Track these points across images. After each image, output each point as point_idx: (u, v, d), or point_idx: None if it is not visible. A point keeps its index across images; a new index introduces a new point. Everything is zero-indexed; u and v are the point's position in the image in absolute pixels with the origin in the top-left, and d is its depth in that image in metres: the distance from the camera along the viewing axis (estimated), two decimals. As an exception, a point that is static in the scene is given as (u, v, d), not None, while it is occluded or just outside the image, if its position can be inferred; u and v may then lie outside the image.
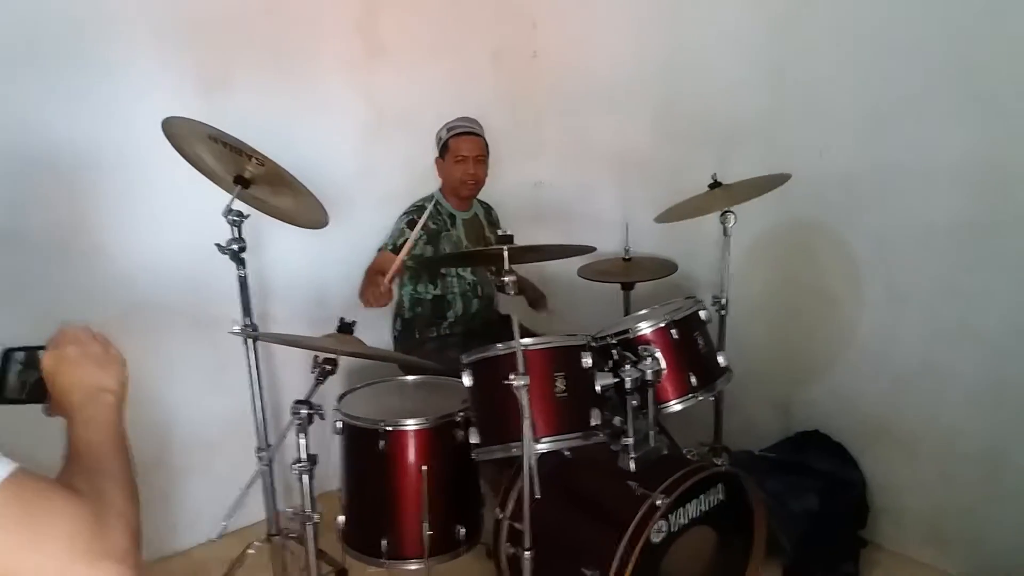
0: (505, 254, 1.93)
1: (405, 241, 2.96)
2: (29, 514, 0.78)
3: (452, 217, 3.16)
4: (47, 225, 2.56)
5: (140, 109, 2.37)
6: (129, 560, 0.83)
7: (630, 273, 3.03)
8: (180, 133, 2.01)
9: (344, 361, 2.04)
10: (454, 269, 3.12)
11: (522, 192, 3.89)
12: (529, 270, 3.29)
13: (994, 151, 2.36)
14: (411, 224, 3.01)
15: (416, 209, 3.10)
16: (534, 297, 3.34)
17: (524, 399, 1.85)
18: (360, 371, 3.00)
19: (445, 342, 3.05)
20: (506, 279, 1.94)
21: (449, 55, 3.53)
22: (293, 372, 3.03)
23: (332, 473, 2.43)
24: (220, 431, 2.96)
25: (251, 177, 2.09)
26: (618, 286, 3.05)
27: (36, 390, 1.05)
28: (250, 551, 2.46)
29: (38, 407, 1.07)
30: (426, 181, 3.23)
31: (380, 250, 3.07)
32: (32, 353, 1.06)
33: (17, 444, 0.90)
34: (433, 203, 3.12)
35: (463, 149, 3.07)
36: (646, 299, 2.79)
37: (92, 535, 0.81)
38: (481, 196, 3.31)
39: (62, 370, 1.03)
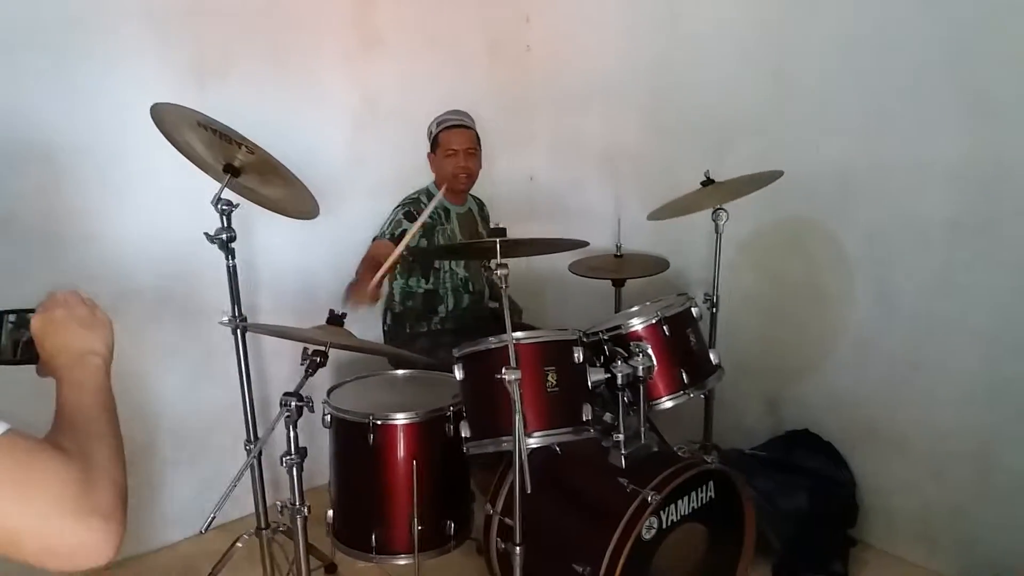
0: (498, 247, 1.92)
1: (403, 232, 2.94)
2: (18, 472, 0.80)
3: (446, 211, 3.14)
4: (39, 213, 2.54)
5: (133, 98, 2.34)
6: (116, 516, 0.85)
7: (622, 269, 3.02)
8: (169, 119, 1.99)
9: (333, 354, 2.02)
10: (447, 263, 3.10)
11: (515, 187, 3.88)
12: (518, 270, 3.26)
13: (988, 148, 2.36)
14: (408, 215, 2.99)
15: (412, 201, 3.06)
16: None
17: (516, 393, 1.83)
18: (350, 364, 2.98)
19: (436, 337, 3.03)
20: (498, 272, 1.92)
21: (443, 48, 3.52)
22: (282, 364, 3.01)
23: (321, 468, 2.41)
24: (208, 423, 2.94)
25: (241, 166, 2.07)
26: (609, 282, 3.03)
27: (27, 352, 1.08)
28: (238, 545, 2.44)
29: (32, 369, 1.10)
30: (418, 173, 3.20)
31: (375, 239, 3.04)
32: (23, 316, 1.09)
33: (12, 405, 0.92)
34: (430, 196, 3.10)
35: (453, 142, 3.05)
36: (637, 296, 2.78)
37: (79, 492, 0.83)
38: (474, 191, 3.29)
39: (49, 332, 1.06)
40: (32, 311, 1.09)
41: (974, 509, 2.56)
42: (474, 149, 3.09)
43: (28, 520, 0.80)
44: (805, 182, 2.75)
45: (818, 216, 2.83)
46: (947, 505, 2.63)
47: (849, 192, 2.72)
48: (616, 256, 3.05)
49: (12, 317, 1.10)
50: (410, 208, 3.02)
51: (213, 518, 1.68)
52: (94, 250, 2.63)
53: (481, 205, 3.36)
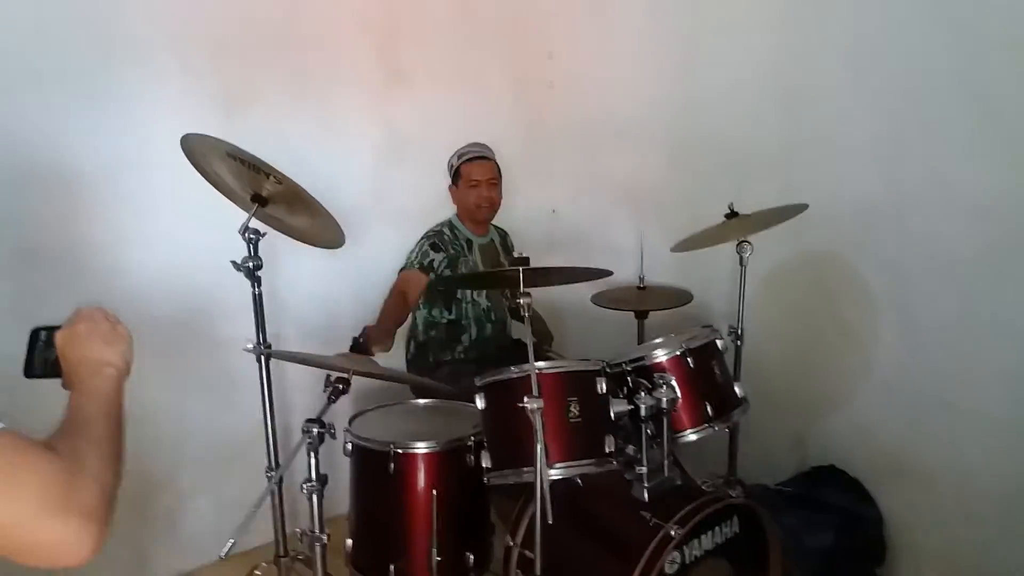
0: (521, 275, 1.92)
1: (432, 262, 2.97)
2: (5, 468, 0.85)
3: (469, 242, 3.16)
4: (65, 239, 2.58)
5: (160, 128, 2.40)
6: (97, 517, 0.89)
7: (645, 302, 3.00)
8: (199, 150, 2.02)
9: (355, 383, 2.02)
10: (469, 294, 3.11)
11: (537, 219, 3.89)
12: (541, 302, 3.25)
13: (1014, 179, 2.33)
14: (434, 246, 3.02)
15: (436, 233, 3.10)
16: (542, 332, 3.31)
17: (538, 423, 1.82)
18: (371, 393, 2.98)
19: (458, 367, 3.03)
20: (521, 301, 1.93)
21: (466, 83, 3.56)
22: (305, 395, 3.01)
23: (341, 497, 2.40)
24: (230, 451, 2.94)
25: (268, 195, 2.10)
26: (632, 315, 3.02)
27: (55, 365, 1.16)
28: (257, 573, 2.43)
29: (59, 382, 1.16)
30: (440, 206, 3.23)
31: (402, 270, 3.06)
32: (52, 332, 1.17)
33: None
34: (452, 229, 3.13)
35: (475, 174, 3.09)
36: (660, 329, 2.76)
37: (61, 491, 0.86)
38: (496, 222, 3.32)
39: (73, 345, 1.14)
40: (59, 327, 1.17)
41: (1003, 549, 2.48)
42: (495, 179, 3.13)
43: (8, 515, 0.83)
44: (827, 215, 2.73)
45: (840, 249, 2.81)
46: (975, 544, 2.56)
47: (872, 225, 2.69)
48: (639, 288, 3.04)
49: (43, 335, 1.18)
50: (435, 240, 3.05)
51: (233, 543, 1.67)
52: (119, 277, 2.67)
53: (504, 235, 3.38)
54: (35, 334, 1.18)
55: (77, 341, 1.14)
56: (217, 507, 2.93)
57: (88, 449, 0.95)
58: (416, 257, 3.03)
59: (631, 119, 3.53)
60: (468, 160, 3.11)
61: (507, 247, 3.36)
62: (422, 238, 3.10)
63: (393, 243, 3.21)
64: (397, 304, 2.94)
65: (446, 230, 3.13)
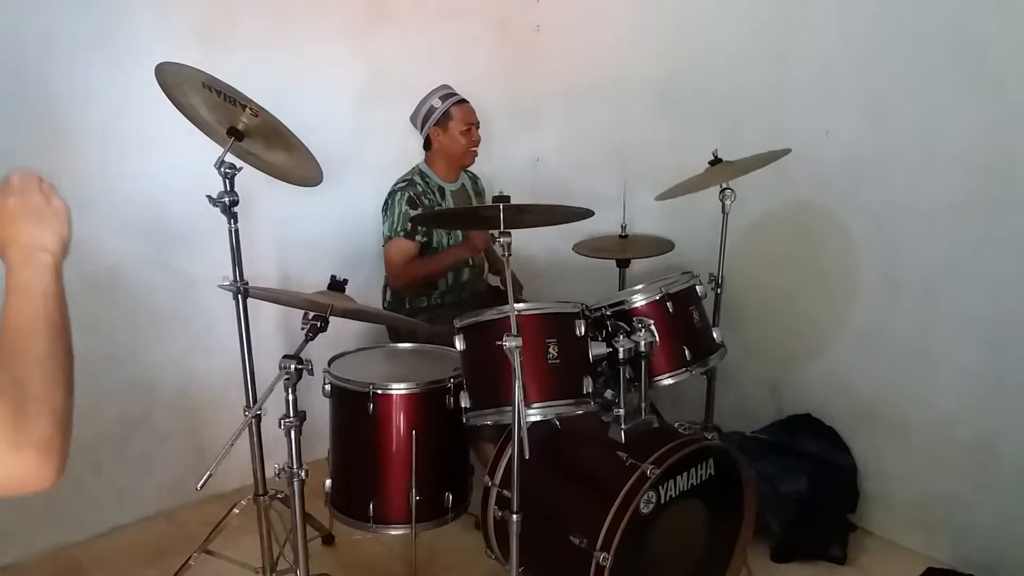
0: (501, 214, 1.89)
1: (415, 226, 2.93)
2: None
3: (441, 190, 3.09)
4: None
5: (138, 60, 2.32)
6: (53, 446, 0.85)
7: (626, 250, 2.99)
8: (174, 81, 1.97)
9: (335, 325, 2.00)
10: (446, 238, 3.06)
11: (520, 168, 3.85)
12: (521, 250, 3.21)
13: (998, 134, 2.34)
14: (411, 202, 2.95)
15: (408, 183, 3.00)
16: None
17: (516, 361, 1.81)
18: (351, 337, 2.97)
19: (435, 312, 3.01)
20: (501, 240, 1.90)
21: (451, 23, 3.48)
22: (283, 339, 3.00)
23: (316, 442, 2.39)
24: (207, 393, 2.93)
25: (245, 129, 2.05)
26: (614, 263, 3.01)
27: None
28: (235, 511, 2.43)
29: None
30: (420, 149, 3.18)
31: (390, 239, 2.95)
32: None
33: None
34: (423, 176, 3.06)
35: (469, 117, 3.04)
36: (642, 276, 2.76)
37: (9, 431, 0.82)
38: (477, 171, 3.29)
39: (1, 223, 1.01)
40: None
41: (973, 498, 2.54)
42: (478, 123, 3.08)
43: None
44: (812, 166, 2.74)
45: (825, 201, 2.81)
46: (946, 493, 2.61)
47: (856, 177, 2.69)
48: (621, 237, 3.02)
49: None
50: (410, 194, 2.96)
51: (210, 476, 1.66)
52: (93, 214, 2.60)
53: (475, 179, 3.31)
54: None
55: (6, 219, 1.01)
56: (195, 448, 2.92)
57: (32, 372, 0.88)
58: (399, 223, 2.94)
59: (618, 66, 3.49)
60: (459, 103, 3.04)
61: (478, 191, 3.31)
62: (395, 192, 2.99)
63: (373, 183, 3.14)
64: (406, 271, 2.97)
65: (417, 179, 3.04)
